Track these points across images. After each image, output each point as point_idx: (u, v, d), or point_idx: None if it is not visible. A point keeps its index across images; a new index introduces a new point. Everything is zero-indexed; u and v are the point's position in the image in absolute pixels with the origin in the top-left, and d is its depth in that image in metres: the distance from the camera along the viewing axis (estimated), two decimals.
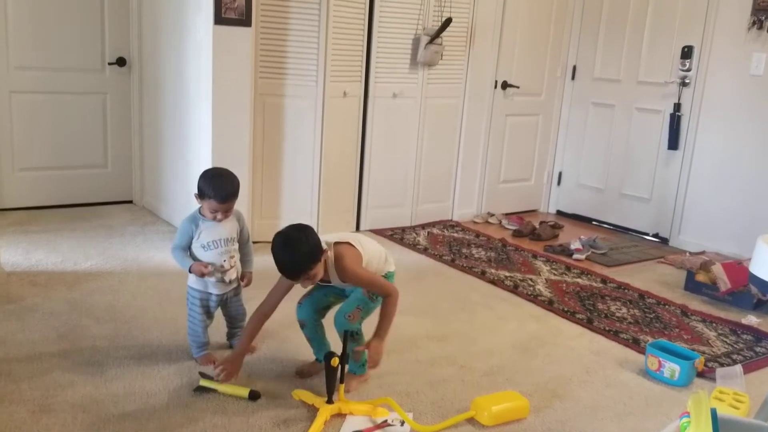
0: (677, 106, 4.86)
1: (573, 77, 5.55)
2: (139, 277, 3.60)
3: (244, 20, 3.79)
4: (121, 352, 2.76)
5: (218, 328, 2.85)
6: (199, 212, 2.64)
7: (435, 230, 4.90)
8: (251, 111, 4.04)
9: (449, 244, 4.60)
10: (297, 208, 4.33)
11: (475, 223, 5.22)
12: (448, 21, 4.62)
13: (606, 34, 5.30)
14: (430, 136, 4.92)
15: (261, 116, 4.14)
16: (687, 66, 4.78)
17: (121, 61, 4.72)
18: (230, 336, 2.87)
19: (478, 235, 4.87)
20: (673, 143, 4.91)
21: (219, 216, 2.60)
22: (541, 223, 5.13)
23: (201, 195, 2.59)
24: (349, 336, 2.50)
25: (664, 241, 5.02)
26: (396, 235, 4.68)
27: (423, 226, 4.96)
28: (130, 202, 4.97)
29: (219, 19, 3.70)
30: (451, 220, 5.18)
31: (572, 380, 2.83)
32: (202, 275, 2.61)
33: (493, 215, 5.29)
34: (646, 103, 5.08)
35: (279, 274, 2.44)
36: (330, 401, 2.41)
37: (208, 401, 2.44)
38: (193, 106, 4.14)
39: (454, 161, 5.13)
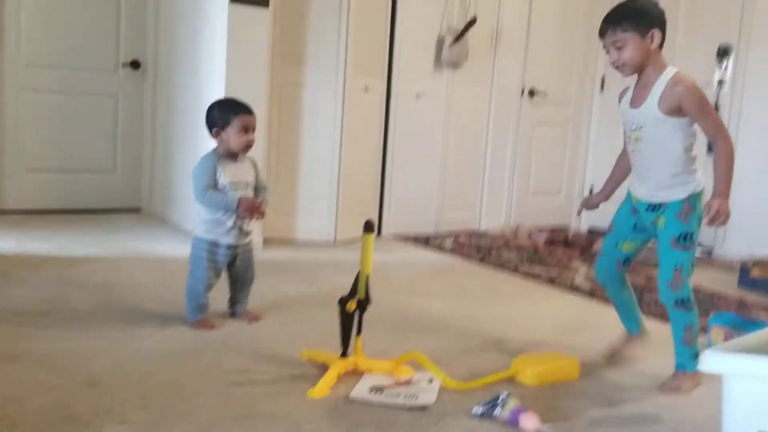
0: (716, 108, 4.58)
1: (602, 89, 5.31)
2: (138, 263, 3.30)
3: (262, 0, 3.61)
4: (108, 315, 2.44)
5: (217, 296, 2.51)
6: (216, 152, 2.38)
7: (461, 238, 4.56)
8: (267, 102, 3.82)
9: (477, 247, 4.26)
10: (314, 208, 4.04)
11: (504, 235, 4.88)
12: (473, 21, 4.45)
13: None
14: (456, 141, 4.66)
15: (277, 108, 3.92)
16: (723, 66, 4.53)
17: (134, 64, 4.57)
18: (234, 302, 2.52)
19: (508, 242, 4.53)
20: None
21: (252, 135, 2.34)
22: (575, 232, 4.78)
23: (223, 122, 2.34)
24: (680, 303, 2.08)
25: (708, 251, 4.62)
26: (420, 241, 4.35)
27: (449, 234, 4.63)
28: (138, 210, 4.71)
29: None
30: (478, 231, 4.85)
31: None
32: (252, 212, 2.33)
33: (522, 227, 4.96)
34: None
35: None
36: (344, 354, 2.05)
37: (200, 360, 2.09)
38: (206, 101, 3.92)
39: (481, 169, 4.85)
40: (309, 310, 2.64)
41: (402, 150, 4.42)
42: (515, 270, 3.68)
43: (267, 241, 3.82)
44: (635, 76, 2.13)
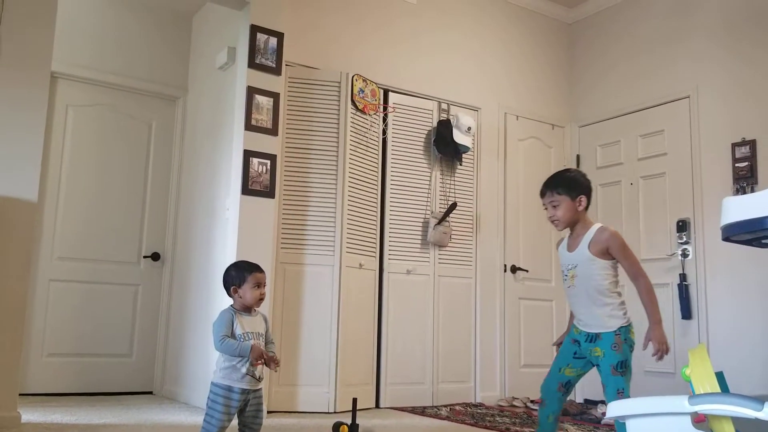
0: (683, 276, 5.01)
1: None
2: (151, 428, 3.54)
3: (269, 192, 4.21)
4: None
5: None
6: (232, 308, 2.77)
7: (458, 407, 4.77)
8: (272, 281, 4.27)
9: (472, 414, 4.46)
10: (315, 377, 4.33)
11: (500, 406, 5.08)
12: (453, 205, 5.05)
13: (602, 221, 5.63)
14: (446, 314, 5.04)
15: (281, 284, 4.36)
16: (684, 239, 5.04)
17: (155, 256, 5.10)
18: None
19: (503, 410, 4.72)
20: (686, 313, 4.97)
21: (263, 290, 2.72)
22: (569, 402, 4.98)
23: (240, 280, 2.74)
24: None
25: None
26: (417, 411, 4.56)
27: (445, 405, 4.84)
28: (150, 393, 4.97)
29: (246, 190, 4.13)
30: (474, 402, 5.05)
31: None
32: (260, 358, 2.64)
33: (517, 399, 5.16)
34: (653, 279, 5.21)
35: None
36: None
37: None
38: (217, 286, 4.37)
39: (472, 341, 5.18)
40: None
41: (396, 322, 4.79)
42: (506, 430, 3.88)
43: (270, 414, 4.06)
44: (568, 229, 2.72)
